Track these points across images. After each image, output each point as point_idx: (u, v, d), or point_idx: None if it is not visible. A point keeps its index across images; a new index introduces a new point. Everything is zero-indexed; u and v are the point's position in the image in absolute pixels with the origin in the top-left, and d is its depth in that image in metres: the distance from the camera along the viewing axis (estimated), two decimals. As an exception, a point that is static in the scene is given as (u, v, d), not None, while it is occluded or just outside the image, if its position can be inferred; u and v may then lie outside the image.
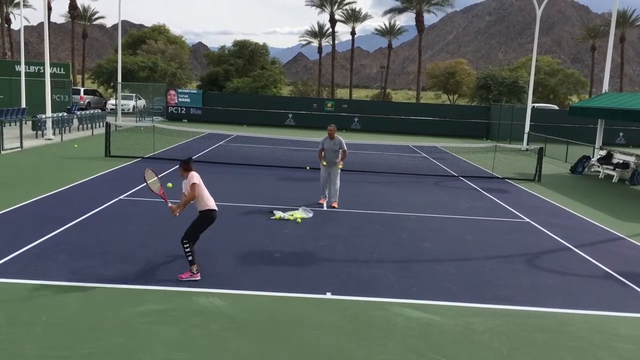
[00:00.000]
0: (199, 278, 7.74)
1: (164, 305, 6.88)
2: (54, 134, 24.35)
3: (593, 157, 22.78)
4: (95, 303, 6.83)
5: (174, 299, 7.08)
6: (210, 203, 7.97)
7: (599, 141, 23.46)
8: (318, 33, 72.50)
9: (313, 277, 8.18)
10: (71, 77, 40.34)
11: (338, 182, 13.14)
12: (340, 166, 12.98)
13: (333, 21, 67.76)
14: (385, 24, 74.35)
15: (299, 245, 9.79)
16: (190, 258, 7.77)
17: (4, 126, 20.07)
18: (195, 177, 7.87)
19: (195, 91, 43.06)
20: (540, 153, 19.69)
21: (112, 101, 44.32)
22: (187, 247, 7.76)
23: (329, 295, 7.48)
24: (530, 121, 30.38)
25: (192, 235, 7.86)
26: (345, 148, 13.02)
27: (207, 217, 7.94)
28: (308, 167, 18.35)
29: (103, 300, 6.93)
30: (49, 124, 24.15)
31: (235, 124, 37.97)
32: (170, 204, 8.01)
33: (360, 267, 8.70)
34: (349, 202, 13.42)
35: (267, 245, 9.71)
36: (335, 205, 13.02)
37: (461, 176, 19.27)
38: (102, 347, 5.73)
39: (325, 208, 12.89)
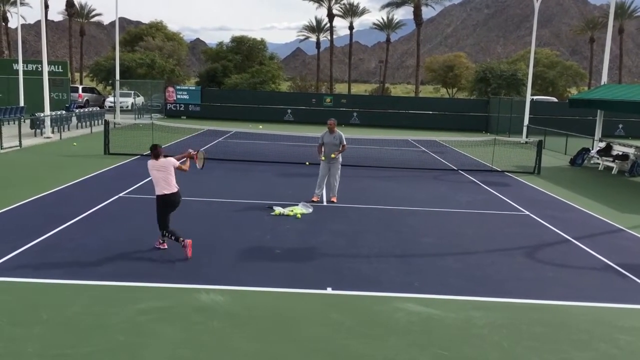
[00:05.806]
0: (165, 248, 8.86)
1: (165, 302, 6.89)
2: (52, 132, 24.33)
3: (592, 149, 22.76)
4: (97, 301, 6.84)
5: (175, 296, 7.09)
6: (159, 189, 8.77)
7: (598, 133, 23.45)
8: (316, 28, 72.29)
9: (314, 273, 8.20)
10: (69, 74, 40.22)
11: (338, 176, 13.13)
12: (334, 156, 12.86)
13: (331, 16, 67.63)
14: (383, 18, 74.03)
15: (300, 241, 9.80)
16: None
17: (3, 125, 20.06)
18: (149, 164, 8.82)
19: (193, 88, 42.95)
20: (540, 146, 19.69)
21: (110, 99, 44.24)
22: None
23: (329, 291, 7.50)
24: (530, 114, 30.36)
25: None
26: (345, 142, 12.97)
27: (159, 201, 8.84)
28: (308, 163, 18.34)
29: (105, 297, 6.95)
30: (47, 122, 24.12)
31: (234, 120, 37.88)
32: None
33: (361, 262, 8.71)
34: (349, 197, 13.42)
35: (268, 241, 9.72)
36: (334, 199, 13.01)
37: (461, 170, 19.27)
38: (104, 345, 5.74)
39: (325, 203, 12.89)
